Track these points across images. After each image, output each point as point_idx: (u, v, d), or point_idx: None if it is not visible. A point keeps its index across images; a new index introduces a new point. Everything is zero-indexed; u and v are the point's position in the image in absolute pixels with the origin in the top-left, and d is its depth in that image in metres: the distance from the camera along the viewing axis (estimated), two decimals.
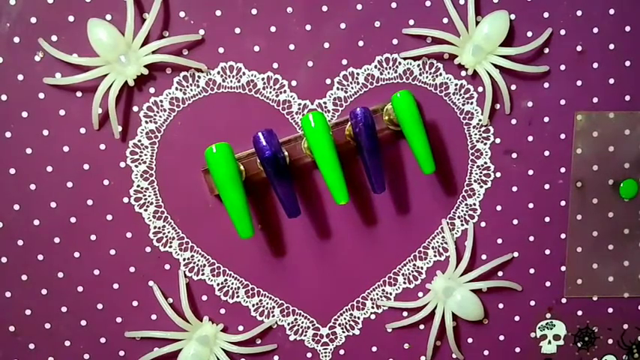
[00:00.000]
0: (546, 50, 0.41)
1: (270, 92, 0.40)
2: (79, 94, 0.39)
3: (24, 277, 0.40)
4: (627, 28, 0.41)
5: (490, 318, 0.43)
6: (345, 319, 0.42)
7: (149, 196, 0.40)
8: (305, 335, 0.42)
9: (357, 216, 0.41)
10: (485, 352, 0.43)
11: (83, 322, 0.41)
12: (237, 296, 0.41)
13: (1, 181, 0.39)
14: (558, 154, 0.42)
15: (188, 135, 0.40)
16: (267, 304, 0.42)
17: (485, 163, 0.41)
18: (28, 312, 0.41)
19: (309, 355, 0.42)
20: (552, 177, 0.42)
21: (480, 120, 0.41)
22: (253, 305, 0.42)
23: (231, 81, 0.40)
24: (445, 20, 0.40)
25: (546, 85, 0.41)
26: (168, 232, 0.40)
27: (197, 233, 0.41)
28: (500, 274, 0.42)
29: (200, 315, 0.41)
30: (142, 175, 0.40)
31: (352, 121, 0.37)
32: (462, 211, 0.42)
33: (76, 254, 0.40)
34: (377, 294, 0.42)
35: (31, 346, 0.41)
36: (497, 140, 0.41)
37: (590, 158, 0.42)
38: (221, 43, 0.39)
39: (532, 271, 0.42)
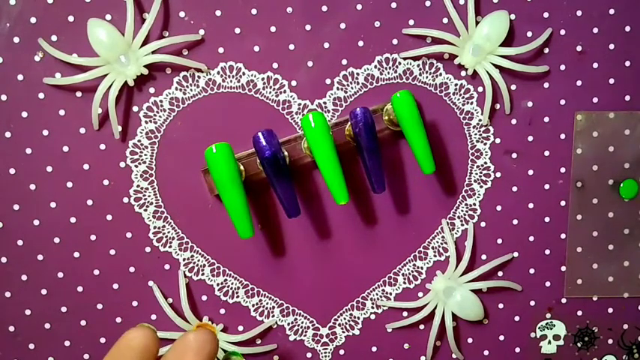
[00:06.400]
0: (546, 50, 0.41)
1: (270, 92, 0.40)
2: (78, 94, 0.39)
3: (24, 277, 0.40)
4: (627, 28, 0.41)
5: (490, 318, 0.43)
6: (345, 319, 0.42)
7: (149, 196, 0.40)
8: (305, 335, 0.42)
9: (357, 216, 0.41)
10: (485, 352, 0.43)
11: (83, 322, 0.41)
12: (237, 296, 0.41)
13: (1, 181, 0.39)
14: (558, 154, 0.42)
15: (188, 135, 0.40)
16: (267, 304, 0.42)
17: (485, 163, 0.41)
18: (28, 312, 0.41)
19: (309, 355, 0.42)
20: (552, 177, 0.42)
21: (480, 120, 0.41)
22: (253, 305, 0.42)
23: (231, 81, 0.40)
24: (445, 20, 0.40)
25: (546, 85, 0.41)
26: (168, 232, 0.40)
27: (197, 233, 0.41)
28: (500, 274, 0.43)
29: (200, 315, 0.41)
30: (141, 175, 0.40)
31: (352, 121, 0.37)
32: (462, 211, 0.42)
33: (76, 254, 0.40)
34: (377, 294, 0.42)
35: (31, 346, 0.41)
36: (497, 140, 0.41)
37: (590, 158, 0.42)
38: (221, 43, 0.39)
39: (532, 271, 0.42)
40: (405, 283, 0.42)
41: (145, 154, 0.40)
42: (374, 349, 0.43)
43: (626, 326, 0.44)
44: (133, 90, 0.39)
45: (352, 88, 0.40)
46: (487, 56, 0.40)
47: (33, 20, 0.38)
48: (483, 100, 0.41)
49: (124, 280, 0.41)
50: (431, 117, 0.41)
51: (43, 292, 0.40)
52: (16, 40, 0.38)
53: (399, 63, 0.40)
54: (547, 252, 0.42)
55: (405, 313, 0.42)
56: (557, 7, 0.40)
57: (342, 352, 0.43)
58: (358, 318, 0.42)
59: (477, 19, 0.40)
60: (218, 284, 0.41)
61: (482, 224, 0.42)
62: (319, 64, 0.40)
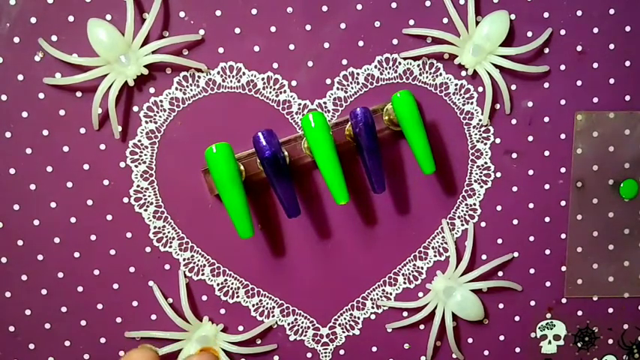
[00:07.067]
0: (546, 50, 0.41)
1: (270, 92, 0.40)
2: (79, 94, 0.39)
3: (24, 277, 0.40)
4: (627, 28, 0.41)
5: (490, 318, 0.43)
6: (345, 319, 0.42)
7: (149, 196, 0.40)
8: (305, 335, 0.42)
9: (357, 216, 0.41)
10: (485, 352, 0.43)
11: (83, 322, 0.41)
12: (237, 296, 0.41)
13: (1, 181, 0.39)
14: (558, 154, 0.42)
15: (188, 135, 0.40)
16: (267, 304, 0.42)
17: (486, 163, 0.41)
18: (28, 312, 0.41)
19: (309, 355, 0.42)
20: (552, 177, 0.42)
21: (480, 120, 0.41)
22: (253, 305, 0.42)
23: (231, 81, 0.40)
24: (445, 20, 0.40)
25: (546, 85, 0.41)
26: (168, 232, 0.40)
27: (197, 233, 0.41)
28: (500, 274, 0.43)
29: (200, 315, 0.41)
30: (141, 175, 0.40)
31: (352, 121, 0.37)
32: (462, 211, 0.42)
33: (76, 254, 0.40)
34: (377, 294, 0.42)
35: (31, 346, 0.41)
36: (497, 140, 0.41)
37: (590, 158, 0.42)
38: (221, 43, 0.39)
39: (532, 271, 0.42)
40: (405, 283, 0.42)
41: (145, 154, 0.40)
42: (374, 349, 0.43)
43: (626, 326, 0.44)
44: (133, 90, 0.39)
45: (352, 88, 0.40)
46: (487, 56, 0.40)
47: (33, 20, 0.38)
48: (483, 100, 0.41)
49: (124, 280, 0.41)
50: (431, 117, 0.41)
51: (43, 292, 0.40)
52: (16, 40, 0.38)
53: (399, 63, 0.40)
54: (547, 252, 0.42)
55: (405, 313, 0.42)
56: (557, 7, 0.40)
57: (342, 352, 0.43)
58: (358, 318, 0.42)
59: (477, 19, 0.40)
60: (218, 284, 0.41)
61: (483, 224, 0.42)
62: (319, 64, 0.40)
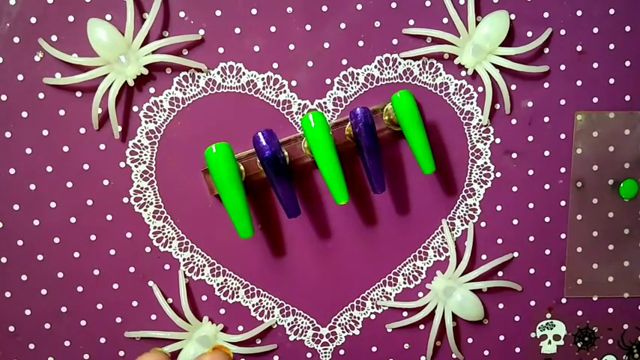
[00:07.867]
0: (546, 50, 0.41)
1: (270, 92, 0.40)
2: (78, 94, 0.39)
3: (24, 277, 0.40)
4: (627, 28, 0.41)
5: (490, 318, 0.43)
6: (345, 319, 0.42)
7: (149, 196, 0.40)
8: (305, 335, 0.42)
9: (357, 216, 0.41)
10: (486, 352, 0.43)
11: (83, 322, 0.41)
12: (237, 296, 0.41)
13: (1, 181, 0.39)
14: (558, 154, 0.42)
15: (188, 135, 0.40)
16: (267, 304, 0.42)
17: (486, 163, 0.41)
18: (28, 312, 0.41)
19: (309, 355, 0.42)
20: (552, 177, 0.42)
21: (480, 120, 0.41)
22: (253, 305, 0.42)
23: (231, 81, 0.40)
24: (445, 20, 0.40)
25: (546, 85, 0.41)
26: (168, 232, 0.40)
27: (197, 233, 0.41)
28: (500, 274, 0.43)
29: (200, 315, 0.41)
30: (141, 175, 0.40)
31: (352, 121, 0.37)
32: (462, 211, 0.42)
33: (76, 254, 0.40)
34: (377, 294, 0.42)
35: (31, 346, 0.41)
36: (497, 140, 0.41)
37: (590, 158, 0.42)
38: (221, 43, 0.39)
39: (532, 271, 0.42)
40: (405, 283, 0.42)
41: (145, 154, 0.40)
42: (374, 349, 0.43)
43: (626, 326, 0.44)
44: (133, 90, 0.39)
45: (352, 88, 0.40)
46: (487, 56, 0.40)
47: (33, 20, 0.38)
48: (483, 100, 0.41)
49: (124, 280, 0.41)
50: (431, 117, 0.41)
51: (43, 292, 0.40)
52: (16, 40, 0.38)
53: (399, 63, 0.40)
54: (547, 252, 0.42)
55: (405, 313, 0.42)
56: (557, 7, 0.40)
57: (342, 352, 0.43)
58: (358, 318, 0.42)
59: (477, 19, 0.40)
60: (218, 284, 0.41)
61: (483, 224, 0.42)
62: (319, 64, 0.40)
